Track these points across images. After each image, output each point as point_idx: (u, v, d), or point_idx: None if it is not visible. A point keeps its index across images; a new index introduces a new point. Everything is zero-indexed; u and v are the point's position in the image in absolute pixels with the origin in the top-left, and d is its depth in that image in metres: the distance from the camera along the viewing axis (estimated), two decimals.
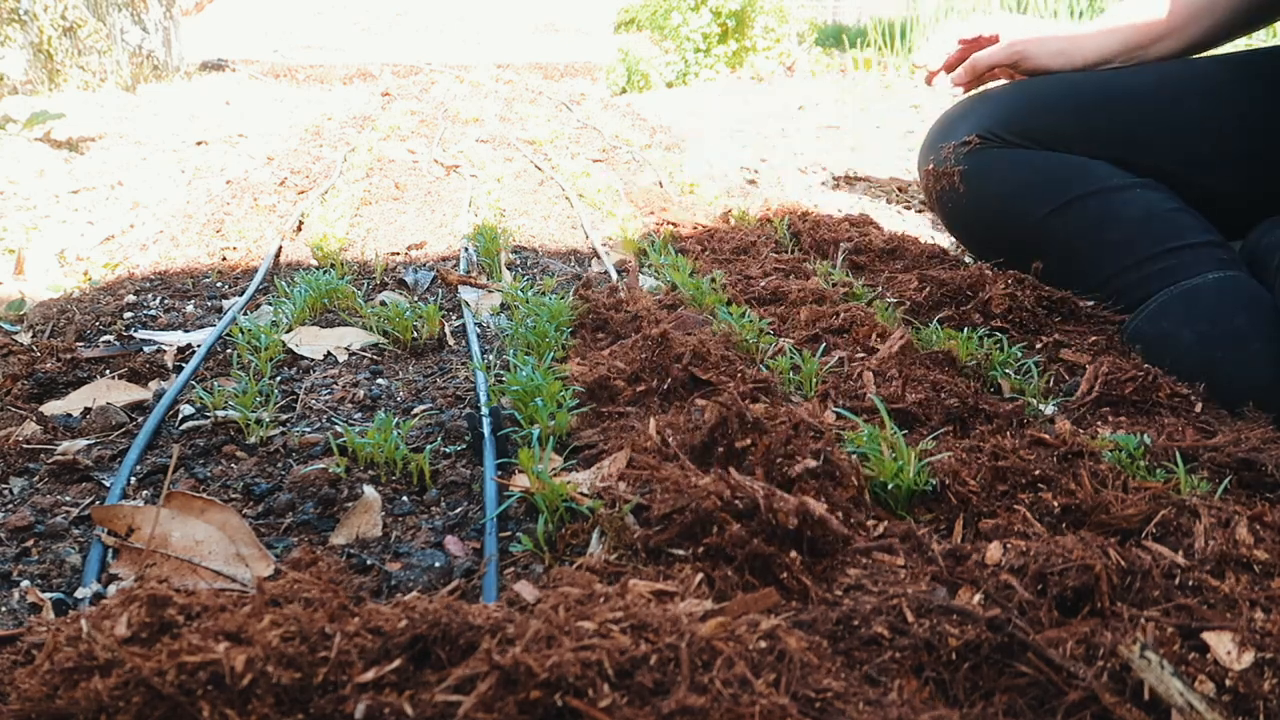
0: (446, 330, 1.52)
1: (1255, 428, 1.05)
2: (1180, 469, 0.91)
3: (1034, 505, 0.86)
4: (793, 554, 0.75)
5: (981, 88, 1.71)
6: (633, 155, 3.18)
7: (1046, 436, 0.98)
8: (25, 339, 1.51)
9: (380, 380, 1.33)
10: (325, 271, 1.82)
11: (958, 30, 1.73)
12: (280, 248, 2.01)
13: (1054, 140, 1.53)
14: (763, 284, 1.59)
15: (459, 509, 0.97)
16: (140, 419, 1.19)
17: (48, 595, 0.82)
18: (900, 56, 6.24)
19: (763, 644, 0.57)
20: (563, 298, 1.55)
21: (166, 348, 1.46)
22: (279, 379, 1.33)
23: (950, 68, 1.73)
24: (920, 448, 0.94)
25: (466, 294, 1.70)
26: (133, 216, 2.61)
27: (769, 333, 1.36)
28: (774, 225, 2.04)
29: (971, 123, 1.60)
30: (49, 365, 1.34)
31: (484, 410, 1.12)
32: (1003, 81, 1.69)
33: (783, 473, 0.87)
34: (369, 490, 0.97)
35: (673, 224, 2.21)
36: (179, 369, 1.38)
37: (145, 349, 1.45)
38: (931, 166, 1.64)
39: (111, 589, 0.83)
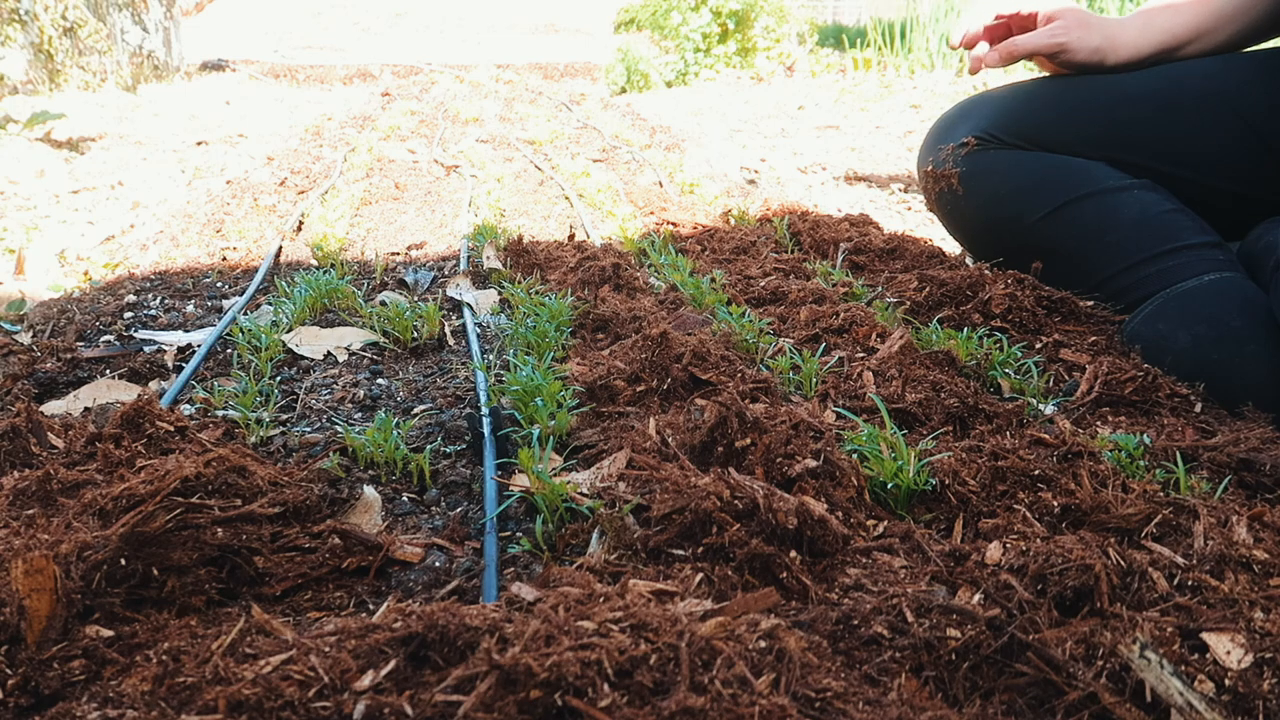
0: (446, 330, 1.52)
1: (1255, 428, 1.05)
2: (1180, 469, 0.91)
3: (1034, 505, 0.86)
4: (792, 554, 0.75)
5: (978, 93, 1.69)
6: (633, 155, 3.18)
7: (1046, 436, 0.98)
8: (25, 339, 1.51)
9: (380, 380, 1.34)
10: (325, 271, 1.82)
11: (994, 5, 1.64)
12: (280, 248, 2.01)
13: (1051, 142, 1.53)
14: (763, 284, 1.59)
15: (459, 509, 0.97)
16: None
17: None
18: (900, 56, 6.24)
19: (762, 644, 0.57)
20: (562, 297, 1.55)
21: (166, 348, 1.46)
22: (279, 379, 1.33)
23: (991, 40, 1.59)
24: (920, 447, 0.94)
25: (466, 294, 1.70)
26: (133, 216, 2.61)
27: (769, 333, 1.36)
28: (774, 225, 2.04)
29: (970, 124, 1.59)
30: (49, 365, 1.35)
31: (484, 410, 1.12)
32: (1012, 80, 1.67)
33: (782, 473, 0.87)
34: (369, 490, 0.97)
35: (673, 224, 2.21)
36: (179, 369, 1.38)
37: (145, 349, 1.45)
38: (930, 168, 1.64)
39: None
